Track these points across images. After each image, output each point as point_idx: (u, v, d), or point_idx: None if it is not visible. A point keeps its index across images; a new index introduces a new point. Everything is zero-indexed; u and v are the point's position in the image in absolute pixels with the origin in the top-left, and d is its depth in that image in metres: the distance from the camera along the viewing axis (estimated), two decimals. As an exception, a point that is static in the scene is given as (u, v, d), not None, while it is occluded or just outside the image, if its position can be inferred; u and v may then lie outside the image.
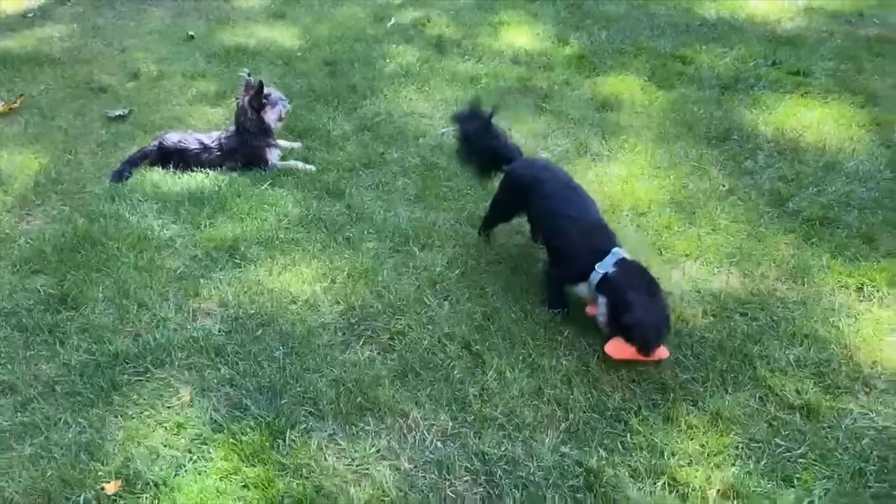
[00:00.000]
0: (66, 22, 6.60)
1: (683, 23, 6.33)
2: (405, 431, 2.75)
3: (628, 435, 2.70)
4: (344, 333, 3.20)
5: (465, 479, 2.58)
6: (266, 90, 4.26)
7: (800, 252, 3.60)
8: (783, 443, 2.64)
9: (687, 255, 3.62)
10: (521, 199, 3.47)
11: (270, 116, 4.32)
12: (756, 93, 5.14)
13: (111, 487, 2.48)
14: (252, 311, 3.29)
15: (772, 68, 5.48)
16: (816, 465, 2.55)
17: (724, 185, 4.15)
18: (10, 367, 2.98)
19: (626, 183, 4.15)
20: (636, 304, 2.87)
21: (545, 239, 3.45)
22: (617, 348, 2.94)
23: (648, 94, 5.15)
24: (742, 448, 2.63)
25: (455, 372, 2.99)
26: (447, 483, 2.56)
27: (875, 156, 4.34)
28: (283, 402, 2.84)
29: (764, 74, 5.39)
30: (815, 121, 4.72)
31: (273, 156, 4.33)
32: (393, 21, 6.52)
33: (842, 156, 4.37)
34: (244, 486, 2.51)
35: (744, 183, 4.17)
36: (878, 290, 3.33)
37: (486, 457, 2.65)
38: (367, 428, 2.76)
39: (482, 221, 3.75)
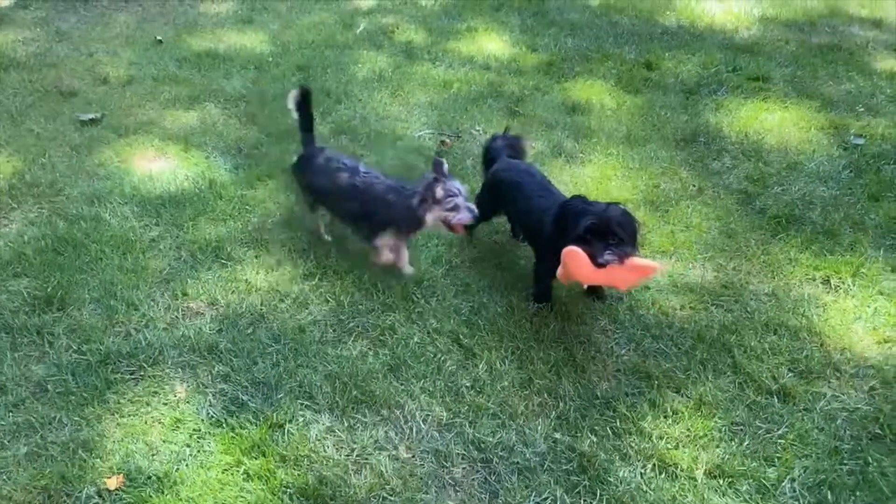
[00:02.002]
0: (28, 26, 6.48)
1: (646, 31, 6.54)
2: (402, 422, 2.81)
3: (617, 420, 2.81)
4: (335, 330, 3.24)
5: (462, 466, 2.65)
6: (451, 187, 3.27)
7: (769, 247, 3.78)
8: (763, 425, 2.78)
9: (663, 252, 3.76)
10: (503, 198, 3.57)
11: (432, 216, 3.32)
12: (719, 98, 5.35)
13: (113, 482, 2.48)
14: (241, 310, 3.31)
15: (732, 74, 5.71)
16: (795, 445, 2.70)
17: (694, 185, 4.32)
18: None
19: (600, 183, 4.29)
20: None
21: (527, 237, 3.56)
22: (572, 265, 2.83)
23: (616, 98, 5.32)
24: (725, 431, 2.76)
25: (447, 365, 3.06)
26: (445, 470, 2.63)
27: (833, 157, 4.57)
28: (279, 396, 2.87)
29: (725, 80, 5.61)
30: (776, 124, 4.95)
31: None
32: (362, 27, 6.59)
33: (803, 157, 4.59)
34: (246, 478, 2.54)
35: (712, 182, 4.34)
36: (843, 282, 3.51)
37: (482, 444, 2.72)
38: (363, 420, 2.81)
39: None
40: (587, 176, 4.38)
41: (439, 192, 3.26)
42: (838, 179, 4.33)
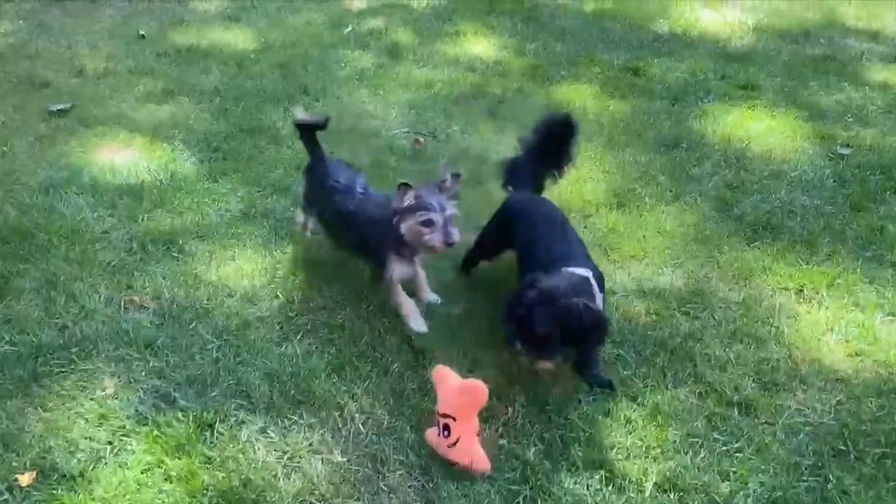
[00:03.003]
0: (11, 18, 6.42)
1: (637, 38, 6.42)
2: (339, 425, 2.67)
3: (567, 429, 2.65)
4: (282, 327, 3.11)
5: (399, 472, 2.51)
6: (426, 198, 2.87)
7: (743, 255, 3.63)
8: (721, 437, 2.63)
9: (632, 257, 3.63)
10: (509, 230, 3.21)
11: (410, 234, 2.93)
12: (705, 105, 5.22)
13: (25, 479, 2.34)
14: (187, 304, 3.19)
15: (721, 82, 5.58)
16: (752, 460, 2.54)
17: (670, 191, 4.18)
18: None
19: (574, 185, 4.15)
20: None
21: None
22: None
23: (600, 102, 5.19)
24: (680, 442, 2.61)
25: (394, 366, 2.92)
26: (381, 476, 2.48)
27: (819, 166, 4.42)
28: (213, 394, 2.74)
29: (713, 88, 5.48)
30: (762, 132, 4.81)
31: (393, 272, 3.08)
32: (350, 28, 6.49)
33: (787, 165, 4.45)
34: (166, 479, 2.40)
35: (690, 188, 4.21)
36: (817, 293, 3.36)
37: (422, 450, 2.58)
38: (300, 421, 2.67)
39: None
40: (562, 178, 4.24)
41: (407, 198, 2.86)
42: (821, 189, 4.18)
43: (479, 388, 2.50)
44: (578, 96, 5.25)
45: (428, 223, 2.86)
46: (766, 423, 2.69)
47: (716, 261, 3.59)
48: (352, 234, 3.18)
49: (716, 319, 3.20)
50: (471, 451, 2.47)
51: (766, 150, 4.63)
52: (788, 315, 3.23)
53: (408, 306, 3.11)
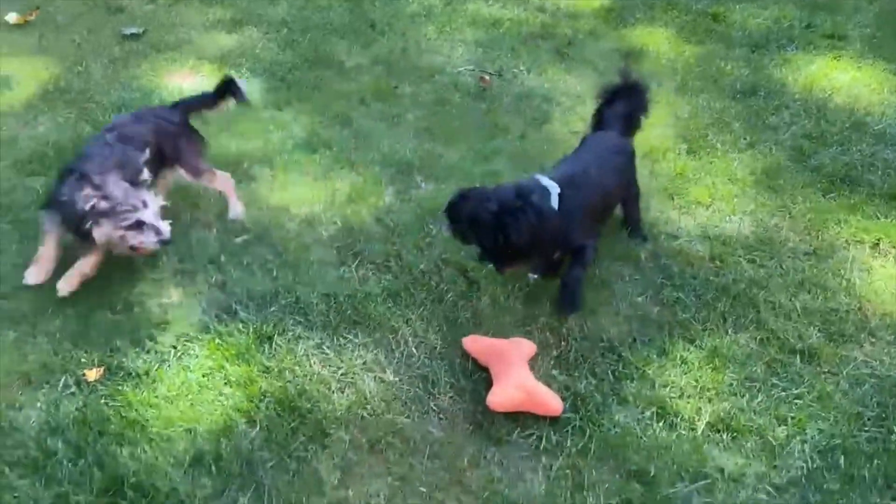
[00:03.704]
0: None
1: (718, -17, 6.11)
2: (393, 346, 2.70)
3: (620, 365, 2.63)
4: (339, 252, 3.14)
5: (449, 394, 2.53)
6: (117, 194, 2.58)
7: (817, 206, 3.48)
8: (780, 383, 2.56)
9: (699, 203, 3.52)
10: None
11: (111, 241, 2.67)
12: (787, 53, 4.95)
13: (92, 374, 2.45)
14: (249, 225, 3.24)
15: (806, 31, 5.28)
16: (812, 407, 2.47)
17: (744, 138, 4.02)
18: (1, 259, 2.95)
19: (642, 131, 4.01)
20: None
21: None
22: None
23: (675, 47, 4.99)
24: (737, 385, 2.55)
25: (449, 295, 2.92)
26: (430, 397, 2.51)
27: (905, 120, 4.17)
28: (272, 309, 2.80)
29: (797, 36, 5.19)
30: (846, 83, 4.55)
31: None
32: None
33: (870, 118, 4.21)
34: (226, 383, 2.48)
35: (766, 137, 4.03)
36: (894, 247, 3.21)
37: (473, 376, 2.59)
38: (354, 340, 2.71)
39: None
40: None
41: (101, 203, 2.51)
42: (907, 143, 3.95)
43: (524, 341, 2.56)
44: (652, 40, 5.05)
45: (137, 226, 2.59)
46: (829, 372, 2.61)
47: (787, 210, 3.45)
48: None
49: (783, 268, 3.08)
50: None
51: (848, 101, 4.38)
52: (861, 268, 3.09)
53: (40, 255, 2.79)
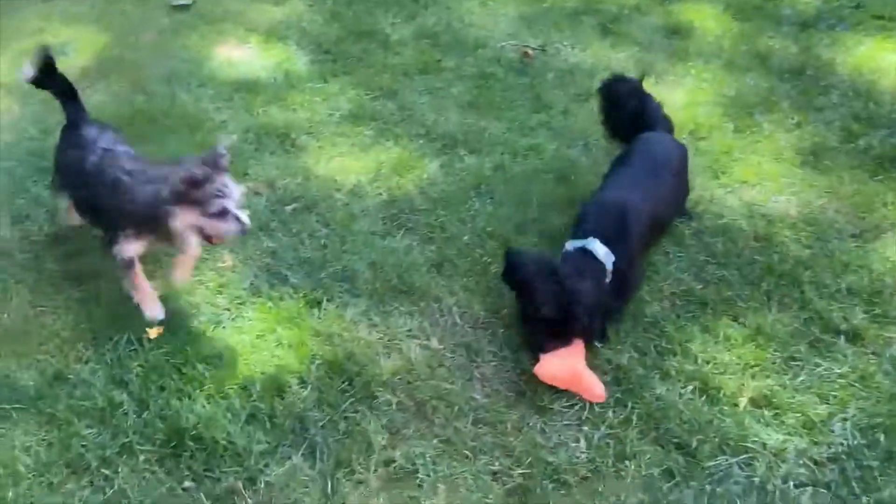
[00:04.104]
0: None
1: (768, -41, 5.98)
2: (437, 315, 2.76)
3: (663, 340, 2.66)
4: (385, 222, 3.21)
5: (493, 363, 2.59)
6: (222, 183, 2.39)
7: (864, 188, 3.45)
8: (823, 362, 2.57)
9: (745, 182, 3.51)
10: None
11: (183, 221, 2.43)
12: (836, 33, 4.86)
13: (153, 332, 2.56)
14: (298, 194, 3.33)
15: (855, 10, 5.16)
16: (854, 386, 2.48)
17: (792, 119, 3.98)
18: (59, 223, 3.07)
19: (688, 108, 4.01)
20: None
21: None
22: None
23: (722, 24, 4.92)
24: (780, 363, 2.57)
25: (492, 267, 2.97)
26: (475, 365, 2.57)
27: (957, 104, 4.09)
28: (321, 276, 2.88)
29: (847, 16, 5.08)
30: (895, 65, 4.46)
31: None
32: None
33: (920, 101, 4.13)
34: (278, 345, 2.57)
35: (814, 118, 3.99)
36: (943, 231, 3.17)
37: (516, 347, 2.64)
38: (400, 308, 2.78)
39: None
40: (676, 100, 4.09)
41: (203, 191, 2.32)
42: (959, 126, 3.88)
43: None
44: (699, 17, 4.98)
45: (222, 214, 2.36)
46: (872, 353, 2.61)
47: (834, 191, 3.43)
48: (89, 195, 2.61)
49: (829, 249, 3.08)
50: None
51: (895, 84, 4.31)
52: (908, 251, 3.07)
53: (143, 291, 2.61)
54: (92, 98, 3.90)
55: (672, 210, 3.01)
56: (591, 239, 2.58)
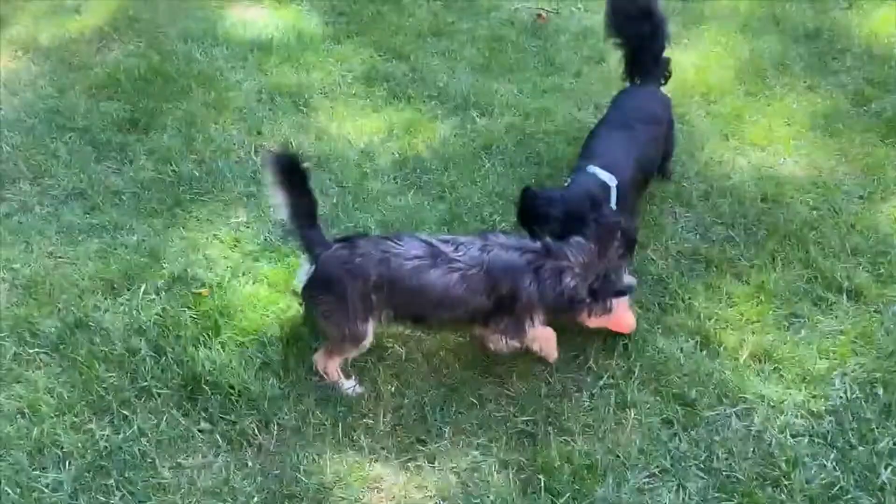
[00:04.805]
0: None
1: (787, -78, 5.88)
2: (447, 271, 2.80)
3: (666, 297, 2.71)
4: (396, 181, 3.25)
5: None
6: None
7: (875, 150, 3.45)
8: (824, 319, 2.62)
9: (754, 144, 3.51)
10: None
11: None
12: (854, -3, 4.80)
13: (205, 292, 2.62)
14: (310, 153, 3.37)
15: (875, -26, 5.08)
16: (855, 343, 2.53)
17: (804, 82, 3.96)
18: (82, 175, 3.15)
19: (700, 71, 4.00)
20: None
21: None
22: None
23: (737, -12, 4.87)
24: (781, 320, 2.62)
25: (501, 225, 3.02)
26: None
27: (973, 68, 4.05)
28: (333, 231, 2.92)
29: (866, -21, 5.00)
30: (914, 29, 4.41)
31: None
32: None
33: (937, 65, 4.09)
34: (292, 298, 2.63)
35: (827, 81, 3.97)
36: (952, 194, 3.18)
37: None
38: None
39: None
40: (688, 62, 4.08)
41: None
42: (974, 90, 3.85)
43: None
44: (714, -21, 4.93)
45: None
46: (875, 311, 2.65)
47: (844, 154, 3.43)
48: None
49: (836, 210, 3.10)
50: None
51: (916, 48, 4.26)
52: (916, 214, 3.08)
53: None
54: (108, 57, 3.96)
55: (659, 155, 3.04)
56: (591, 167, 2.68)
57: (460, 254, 2.21)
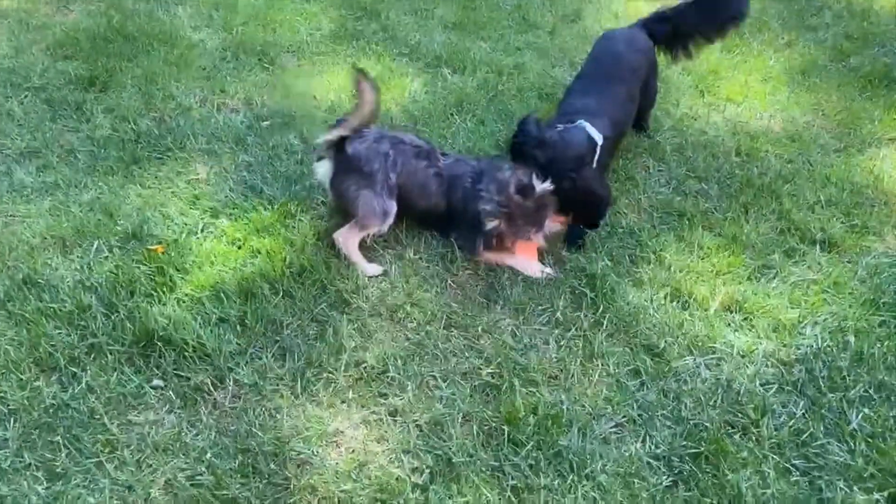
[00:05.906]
0: None
1: None
2: (415, 231, 2.73)
3: (637, 249, 2.65)
4: (365, 139, 3.15)
5: (467, 272, 2.58)
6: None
7: (851, 105, 3.40)
8: (797, 269, 2.57)
9: (730, 100, 3.45)
10: None
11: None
12: (835, -46, 4.72)
13: (160, 249, 2.52)
14: (276, 111, 3.27)
15: (857, -69, 5.00)
16: (827, 293, 2.48)
17: (782, 38, 3.90)
18: (36, 134, 3.04)
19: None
20: None
21: None
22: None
23: (716, -54, 4.77)
24: (753, 270, 2.56)
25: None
26: (449, 274, 2.56)
27: (954, 23, 4.00)
28: (296, 188, 2.85)
29: (847, -63, 4.93)
30: (895, -15, 4.34)
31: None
32: None
33: (917, 20, 4.04)
34: (250, 254, 2.55)
35: (805, 38, 3.91)
36: (929, 146, 3.13)
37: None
38: (375, 221, 2.74)
39: None
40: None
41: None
42: (954, 44, 3.80)
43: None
44: (693, -62, 4.83)
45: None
46: (847, 261, 2.60)
47: (821, 108, 3.38)
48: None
49: (811, 163, 3.04)
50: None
51: (894, 4, 4.20)
52: (893, 165, 3.03)
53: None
54: (69, 18, 3.83)
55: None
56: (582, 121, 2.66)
57: (441, 160, 2.65)
